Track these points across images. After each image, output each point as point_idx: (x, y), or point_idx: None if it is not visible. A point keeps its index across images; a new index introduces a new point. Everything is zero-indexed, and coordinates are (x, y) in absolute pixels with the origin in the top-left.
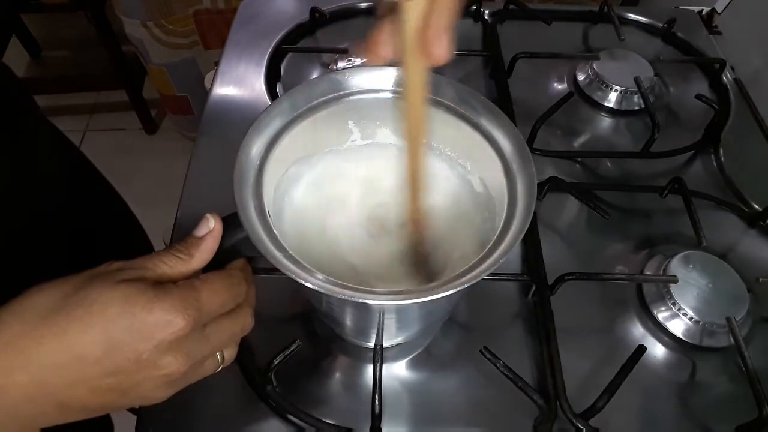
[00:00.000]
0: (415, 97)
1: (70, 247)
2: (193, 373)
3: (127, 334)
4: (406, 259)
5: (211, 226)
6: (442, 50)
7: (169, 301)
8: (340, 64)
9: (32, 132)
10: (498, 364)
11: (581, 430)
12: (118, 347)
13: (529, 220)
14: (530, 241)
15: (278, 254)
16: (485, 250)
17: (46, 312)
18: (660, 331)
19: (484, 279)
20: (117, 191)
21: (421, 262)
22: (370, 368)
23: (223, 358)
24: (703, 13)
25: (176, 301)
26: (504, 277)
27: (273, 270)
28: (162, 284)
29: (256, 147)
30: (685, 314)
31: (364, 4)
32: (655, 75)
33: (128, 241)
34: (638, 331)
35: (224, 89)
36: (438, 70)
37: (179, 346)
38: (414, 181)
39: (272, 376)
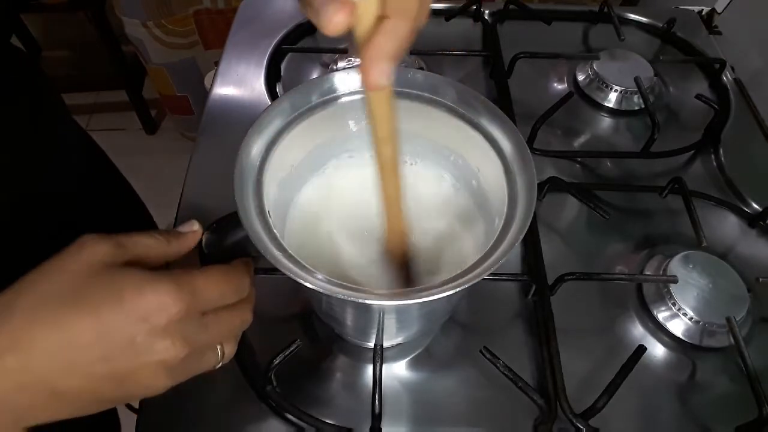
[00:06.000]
0: (378, 117)
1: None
2: (193, 363)
3: (119, 318)
4: (390, 265)
5: (194, 228)
6: (375, 76)
7: (160, 284)
8: (340, 64)
9: (54, 120)
10: (498, 364)
11: (581, 430)
12: (111, 331)
13: (529, 221)
14: (530, 241)
15: (278, 254)
16: (485, 251)
17: (37, 300)
18: (660, 331)
19: (484, 279)
20: (128, 181)
21: (409, 263)
22: (370, 368)
23: (222, 353)
24: (703, 13)
25: (169, 285)
26: (504, 277)
27: (273, 270)
28: (154, 271)
29: (256, 147)
30: (685, 314)
31: None
32: (655, 75)
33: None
34: (638, 331)
35: (224, 89)
36: (438, 70)
37: (175, 331)
38: (391, 198)
39: (272, 376)
